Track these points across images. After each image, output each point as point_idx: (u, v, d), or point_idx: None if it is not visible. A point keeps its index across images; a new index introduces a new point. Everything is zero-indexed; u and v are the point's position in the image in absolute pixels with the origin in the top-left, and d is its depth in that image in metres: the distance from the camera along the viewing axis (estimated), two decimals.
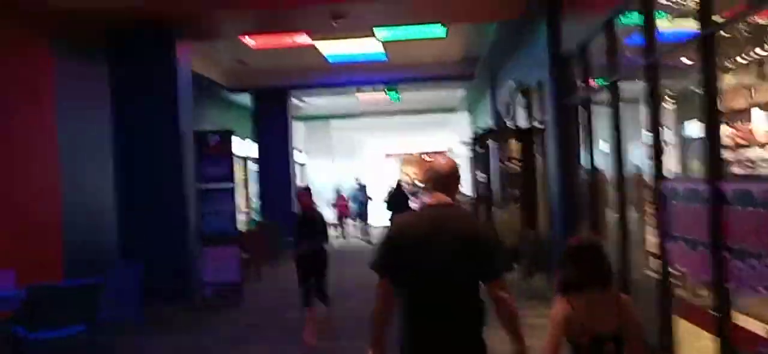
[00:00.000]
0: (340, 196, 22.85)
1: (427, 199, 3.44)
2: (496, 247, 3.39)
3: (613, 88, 7.34)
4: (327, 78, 17.57)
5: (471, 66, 16.96)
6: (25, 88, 9.51)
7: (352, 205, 22.81)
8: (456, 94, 22.72)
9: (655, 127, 6.05)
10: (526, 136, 12.94)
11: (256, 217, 18.80)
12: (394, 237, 3.37)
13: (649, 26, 6.07)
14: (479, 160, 22.00)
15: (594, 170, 8.59)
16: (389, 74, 17.58)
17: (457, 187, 3.48)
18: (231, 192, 10.45)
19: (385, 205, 18.98)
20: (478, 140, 16.87)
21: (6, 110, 9.04)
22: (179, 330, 9.14)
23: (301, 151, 27.59)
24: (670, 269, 5.77)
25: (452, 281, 3.20)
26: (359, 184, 23.55)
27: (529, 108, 12.85)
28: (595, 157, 8.59)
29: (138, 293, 7.45)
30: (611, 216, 8.44)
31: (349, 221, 22.92)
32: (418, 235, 3.26)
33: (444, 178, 3.39)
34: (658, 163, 6.02)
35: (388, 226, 3.58)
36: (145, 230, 9.86)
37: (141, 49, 10.11)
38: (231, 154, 10.47)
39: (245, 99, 18.85)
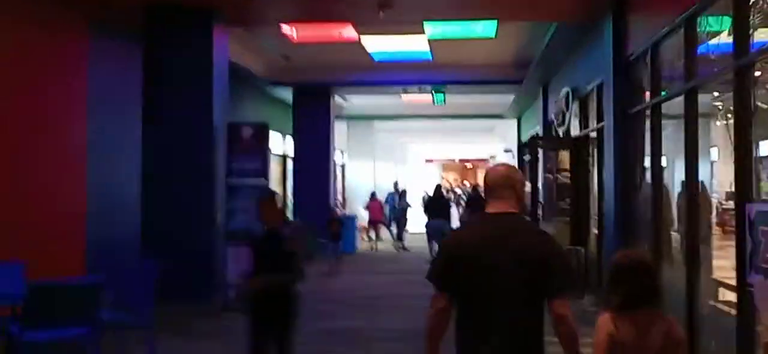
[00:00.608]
0: (374, 200, 21.48)
1: (488, 208, 3.26)
2: (560, 261, 3.19)
3: (692, 96, 6.51)
4: (371, 76, 16.92)
5: (521, 71, 16.11)
6: (59, 69, 9.10)
7: (387, 210, 21.80)
8: (503, 99, 21.80)
9: (743, 141, 5.23)
10: (579, 145, 12.11)
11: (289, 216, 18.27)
12: (452, 247, 3.25)
13: (739, 27, 5.27)
14: (525, 170, 21.23)
15: (658, 186, 7.75)
16: (435, 75, 16.85)
17: (520, 195, 3.28)
18: (263, 188, 9.83)
19: (424, 209, 18.32)
20: (527, 148, 16.06)
21: (37, 91, 8.62)
22: (194, 336, 8.52)
23: (342, 152, 27.10)
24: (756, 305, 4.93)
25: (512, 296, 3.06)
26: (397, 189, 22.59)
27: (584, 116, 12.00)
28: (659, 171, 7.75)
29: (150, 294, 6.86)
30: (674, 237, 7.62)
31: (383, 228, 21.74)
32: (477, 247, 3.13)
33: (502, 185, 3.23)
34: (744, 183, 5.21)
35: (446, 237, 3.47)
36: (169, 225, 9.32)
37: (177, 33, 9.58)
38: (265, 148, 9.87)
39: (287, 94, 18.30)
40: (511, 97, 20.52)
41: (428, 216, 17.29)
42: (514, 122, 25.15)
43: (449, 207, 18.38)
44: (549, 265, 3.07)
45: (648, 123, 8.24)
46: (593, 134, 11.33)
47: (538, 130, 17.79)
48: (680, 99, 6.70)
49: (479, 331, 3.10)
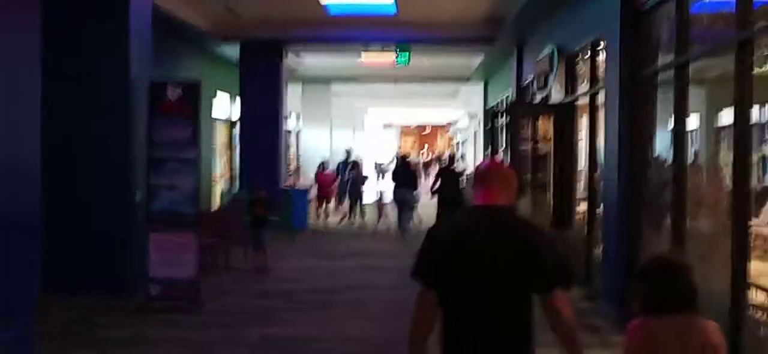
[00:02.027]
0: (323, 170, 18.42)
1: (477, 200, 3.11)
2: (553, 254, 2.99)
3: (746, 49, 4.98)
4: (328, 32, 15.09)
5: (494, 28, 14.49)
6: None
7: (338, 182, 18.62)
8: (470, 61, 20.21)
9: None
10: (563, 113, 10.61)
11: (232, 190, 16.52)
12: (438, 240, 3.08)
13: None
14: (496, 138, 19.77)
15: (681, 164, 6.26)
16: (398, 33, 15.11)
17: (512, 189, 3.12)
18: (193, 162, 8.06)
19: (392, 177, 16.95)
20: (499, 115, 14.52)
21: None
22: (101, 345, 6.78)
23: (298, 117, 25.26)
24: None
25: (501, 291, 2.93)
26: (348, 158, 19.02)
27: (571, 79, 10.48)
28: (683, 145, 6.27)
29: (29, 297, 5.13)
30: (696, 226, 6.17)
31: (339, 203, 18.61)
32: (464, 240, 2.98)
33: (492, 178, 3.10)
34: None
35: (429, 229, 3.19)
36: (75, 205, 7.53)
37: None
38: (197, 112, 8.03)
39: (235, 53, 16.35)
40: (479, 59, 18.93)
41: (395, 184, 16.36)
42: (479, 87, 23.63)
43: (416, 177, 17.26)
44: (541, 259, 2.93)
45: (664, 88, 6.76)
46: (584, 100, 9.83)
47: (510, 95, 16.29)
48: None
49: (466, 329, 2.98)
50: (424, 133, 55.19)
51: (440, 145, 56.55)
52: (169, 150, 7.94)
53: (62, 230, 7.55)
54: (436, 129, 56.02)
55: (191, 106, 8.00)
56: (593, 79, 9.16)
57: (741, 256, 4.98)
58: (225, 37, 15.21)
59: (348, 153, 19.14)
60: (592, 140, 9.19)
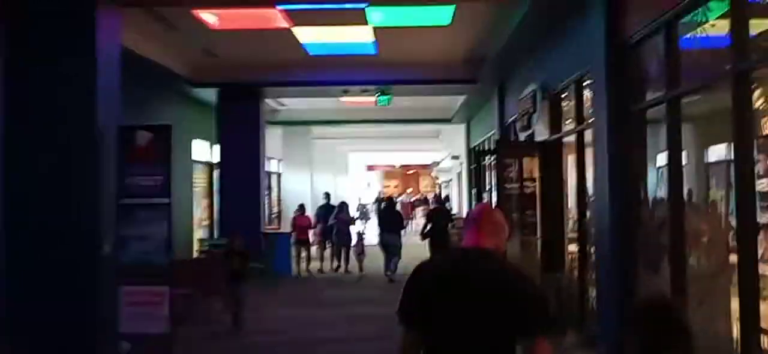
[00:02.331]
0: (301, 214, 16.79)
1: (464, 242, 3.13)
2: (539, 299, 2.95)
3: (743, 81, 4.73)
4: (307, 75, 14.85)
5: (474, 69, 14.34)
6: None
7: (320, 227, 17.10)
8: (451, 102, 20.07)
9: None
10: (548, 151, 10.36)
11: (211, 238, 16.05)
12: (420, 281, 3.06)
13: None
14: (480, 177, 19.52)
15: (677, 200, 5.98)
16: (379, 74, 14.89)
17: (502, 235, 3.11)
18: (165, 209, 7.67)
19: (377, 221, 16.86)
20: (486, 154, 14.27)
21: None
22: None
23: (279, 160, 24.92)
24: None
25: (484, 336, 2.87)
26: (328, 203, 17.50)
27: (555, 117, 10.26)
28: (679, 181, 6.00)
29: None
30: (696, 266, 5.87)
31: (320, 249, 17.07)
32: (446, 281, 2.97)
33: (481, 220, 3.12)
34: None
35: (415, 268, 3.12)
36: (39, 257, 7.10)
37: (49, 9, 7.38)
38: (168, 157, 7.68)
39: (214, 95, 16.02)
40: (460, 100, 18.78)
41: (381, 228, 16.21)
42: (461, 127, 23.45)
43: (402, 219, 17.13)
44: (527, 303, 2.89)
45: (654, 124, 6.52)
46: (570, 138, 9.59)
47: (493, 135, 16.08)
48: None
49: None
50: (408, 173, 54.97)
51: (423, 186, 56.39)
52: (139, 198, 7.56)
53: (26, 287, 7.11)
54: (419, 170, 55.90)
55: (162, 150, 7.65)
56: (579, 117, 8.93)
57: (750, 298, 4.66)
58: (203, 82, 14.91)
59: (328, 197, 18.08)
60: (580, 179, 8.91)
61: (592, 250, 8.51)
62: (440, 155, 37.99)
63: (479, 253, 3.03)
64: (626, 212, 6.93)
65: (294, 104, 20.47)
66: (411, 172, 55.51)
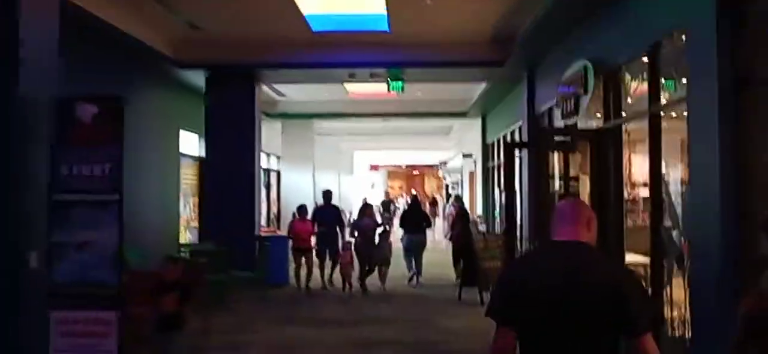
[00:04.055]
0: (302, 217, 13.76)
1: (555, 236, 3.01)
2: (639, 293, 2.93)
3: None
4: (309, 56, 12.93)
5: (501, 49, 12.43)
6: None
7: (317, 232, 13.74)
8: (468, 94, 18.19)
9: None
10: (606, 140, 8.43)
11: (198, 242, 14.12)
12: (514, 278, 3.00)
13: None
14: (492, 176, 17.64)
15: None
16: (391, 54, 12.95)
17: (593, 227, 3.04)
18: (115, 208, 5.73)
19: (400, 222, 15.21)
20: (517, 146, 12.32)
21: None
22: None
23: (278, 157, 23.01)
24: None
25: (583, 333, 2.79)
26: (329, 202, 14.20)
27: (614, 98, 8.33)
28: None
29: None
30: None
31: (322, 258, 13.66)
32: (543, 277, 2.87)
33: (571, 213, 3.04)
34: None
35: (506, 265, 3.40)
36: None
37: None
38: (120, 138, 5.76)
39: (202, 80, 14.11)
40: (478, 90, 16.87)
41: (404, 230, 14.73)
42: (474, 123, 21.57)
43: (428, 218, 15.74)
44: (627, 299, 2.79)
45: None
46: (636, 124, 7.66)
47: (519, 128, 14.17)
48: None
49: None
50: (414, 174, 53.07)
51: (429, 187, 54.45)
52: (80, 193, 5.63)
53: None
54: (425, 171, 53.97)
55: (112, 129, 5.72)
56: (655, 95, 6.99)
57: None
58: (189, 63, 12.99)
59: (328, 196, 14.38)
60: (654, 173, 6.97)
61: (675, 265, 6.60)
62: (449, 154, 36.12)
63: (575, 247, 2.93)
64: (747, 216, 5.00)
65: (295, 95, 18.57)
66: (416, 172, 53.61)
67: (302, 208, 13.94)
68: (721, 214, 5.15)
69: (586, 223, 2.98)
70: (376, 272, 13.41)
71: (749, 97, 5.03)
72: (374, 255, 13.41)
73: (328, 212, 13.96)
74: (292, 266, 13.77)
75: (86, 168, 5.63)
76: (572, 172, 9.63)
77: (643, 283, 7.33)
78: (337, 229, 13.64)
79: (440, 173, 45.58)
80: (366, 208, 14.45)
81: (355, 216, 16.14)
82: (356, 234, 13.72)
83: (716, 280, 5.28)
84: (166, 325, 6.39)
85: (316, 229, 13.61)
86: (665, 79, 6.92)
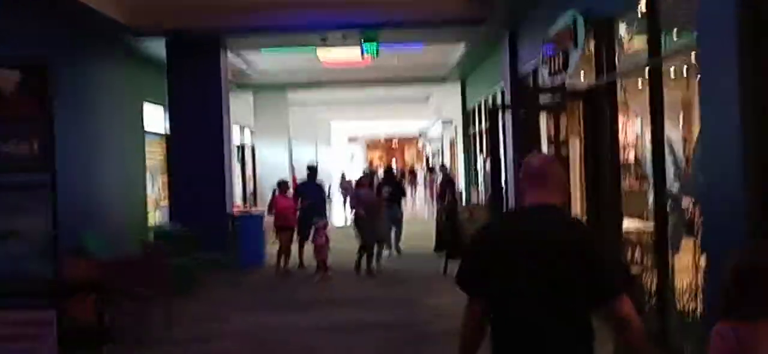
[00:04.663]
0: (282, 193, 12.77)
1: (525, 200, 2.89)
2: (611, 256, 2.92)
3: None
4: (277, 20, 12.10)
5: (482, 8, 11.68)
6: None
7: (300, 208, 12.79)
8: (447, 58, 17.46)
9: None
10: (599, 100, 7.77)
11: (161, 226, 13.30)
12: (483, 245, 2.88)
13: None
14: (475, 142, 17.07)
15: None
16: (364, 15, 12.15)
17: (564, 188, 2.97)
18: (45, 190, 4.96)
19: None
20: (500, 109, 11.61)
21: None
22: None
23: (251, 132, 22.17)
24: None
25: (559, 300, 2.67)
26: (314, 177, 13.48)
27: (607, 53, 7.64)
28: None
29: None
30: None
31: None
32: (512, 243, 2.77)
33: (541, 174, 2.87)
34: None
35: (476, 232, 3.04)
36: None
37: None
38: (49, 109, 4.98)
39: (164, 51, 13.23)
40: (457, 53, 16.15)
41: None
42: (454, 89, 20.86)
43: (403, 189, 15.28)
44: (598, 260, 2.69)
45: None
46: (632, 81, 6.98)
47: (501, 91, 13.49)
48: None
49: (517, 341, 2.74)
50: (393, 144, 52.40)
51: (408, 157, 53.80)
52: (3, 174, 4.86)
53: None
54: (403, 142, 53.30)
55: (39, 99, 4.93)
56: (654, 45, 6.30)
57: None
58: (147, 30, 12.10)
59: (313, 171, 13.55)
60: (657, 133, 6.31)
61: (684, 233, 5.98)
62: (428, 122, 35.40)
63: (546, 211, 2.80)
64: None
65: (266, 64, 17.71)
66: (396, 142, 52.96)
67: (283, 183, 13.03)
68: (743, 177, 4.48)
69: (557, 185, 2.87)
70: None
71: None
72: (378, 230, 12.33)
73: (312, 188, 13.09)
74: (271, 246, 12.99)
75: (9, 145, 4.84)
76: (562, 135, 8.98)
77: (642, 252, 6.73)
78: (322, 206, 12.88)
79: (420, 143, 44.98)
80: (363, 178, 13.82)
81: (334, 189, 15.42)
82: (356, 207, 12.77)
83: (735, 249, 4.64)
84: (79, 339, 5.21)
85: (299, 205, 12.75)
86: (666, 29, 6.22)
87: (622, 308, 2.64)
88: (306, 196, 12.79)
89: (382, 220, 12.54)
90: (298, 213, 12.59)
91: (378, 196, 13.19)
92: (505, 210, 10.28)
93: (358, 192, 13.11)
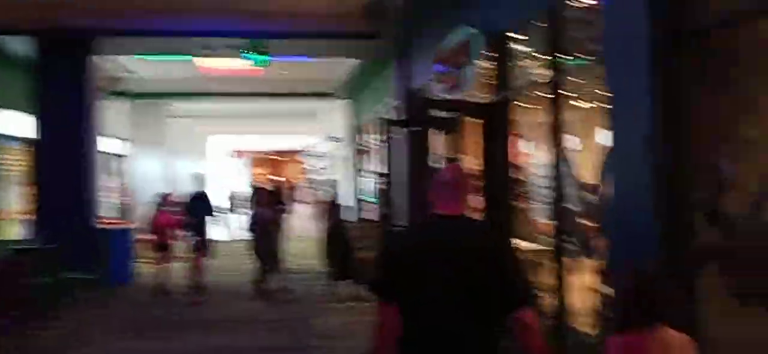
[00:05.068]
0: (162, 210, 11.77)
1: (436, 209, 2.97)
2: (518, 266, 2.99)
3: None
4: (152, 22, 11.29)
5: (375, 23, 11.41)
6: None
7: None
8: (336, 73, 17.12)
9: None
10: (498, 115, 7.59)
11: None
12: (395, 252, 3.00)
13: None
14: (368, 156, 16.74)
15: None
16: (250, 24, 11.54)
17: (471, 197, 3.10)
18: None
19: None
20: (395, 124, 11.30)
21: None
22: None
23: (127, 140, 20.84)
24: None
25: (467, 308, 2.77)
26: (203, 191, 12.35)
27: (508, 67, 7.48)
28: None
29: None
30: None
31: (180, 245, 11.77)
32: (422, 251, 2.87)
33: (451, 185, 2.99)
34: None
35: (387, 238, 3.13)
36: None
37: None
38: None
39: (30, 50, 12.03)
40: (347, 68, 15.82)
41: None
42: (343, 105, 20.48)
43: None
44: (506, 270, 2.84)
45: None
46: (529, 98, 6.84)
47: (393, 109, 13.22)
48: None
49: (431, 348, 2.79)
50: (281, 161, 51.44)
51: (291, 172, 52.89)
52: None
53: None
54: (290, 157, 52.42)
55: None
56: (555, 59, 6.16)
57: None
58: (6, 28, 10.96)
59: (198, 181, 12.62)
60: (554, 155, 6.15)
61: (584, 252, 5.83)
62: (315, 139, 34.74)
63: (455, 220, 2.91)
64: (683, 199, 4.20)
65: (146, 72, 16.66)
66: (285, 158, 52.03)
67: (165, 197, 12.01)
68: (652, 196, 4.32)
69: (465, 195, 2.99)
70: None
71: (684, 55, 4.22)
72: (272, 249, 11.46)
73: (199, 202, 11.96)
74: (142, 264, 11.97)
75: None
76: (453, 153, 8.75)
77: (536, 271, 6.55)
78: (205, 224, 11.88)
79: (303, 159, 44.28)
80: (258, 194, 12.91)
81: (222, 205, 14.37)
82: (255, 227, 11.60)
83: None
84: None
85: (187, 220, 11.58)
86: (567, 44, 6.09)
87: (527, 317, 2.82)
88: (195, 211, 11.71)
89: (277, 238, 11.88)
90: (182, 229, 11.65)
91: (274, 214, 12.46)
92: (406, 224, 9.95)
93: (259, 210, 12.32)
